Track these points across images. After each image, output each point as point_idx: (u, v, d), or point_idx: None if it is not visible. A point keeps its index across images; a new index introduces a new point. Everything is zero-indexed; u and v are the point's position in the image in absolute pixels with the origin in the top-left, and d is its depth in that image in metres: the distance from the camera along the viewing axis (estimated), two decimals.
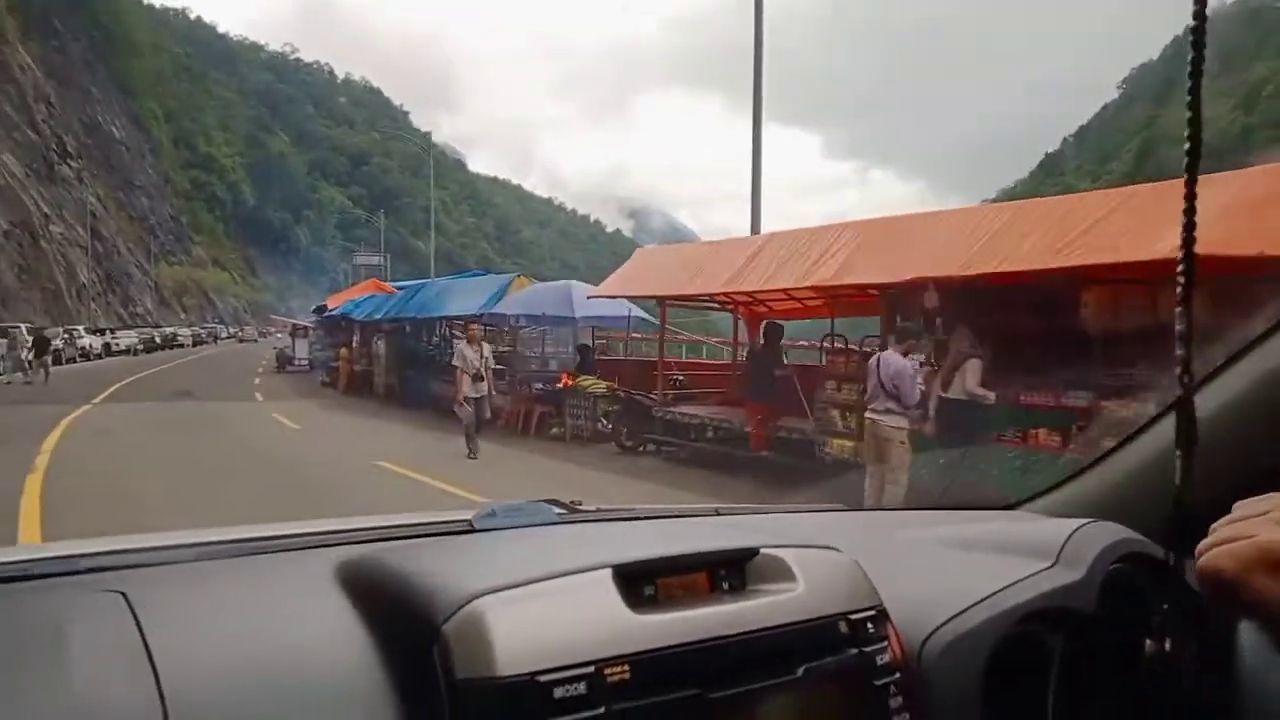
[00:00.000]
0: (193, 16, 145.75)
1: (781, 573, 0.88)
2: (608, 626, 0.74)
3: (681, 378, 14.81)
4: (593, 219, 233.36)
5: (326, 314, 28.85)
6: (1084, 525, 1.11)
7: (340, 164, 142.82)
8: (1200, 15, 0.70)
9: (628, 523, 1.24)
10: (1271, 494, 0.70)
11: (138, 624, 0.72)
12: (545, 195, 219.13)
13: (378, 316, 23.26)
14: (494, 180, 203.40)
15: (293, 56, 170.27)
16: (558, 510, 1.19)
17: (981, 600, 0.98)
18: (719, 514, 1.42)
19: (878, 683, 0.87)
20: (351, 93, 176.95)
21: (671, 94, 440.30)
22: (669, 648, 0.76)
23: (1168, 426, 1.15)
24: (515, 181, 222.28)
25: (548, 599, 0.75)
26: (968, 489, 6.81)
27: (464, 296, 18.74)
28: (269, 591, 0.86)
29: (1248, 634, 0.67)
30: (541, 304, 16.65)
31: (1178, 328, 0.76)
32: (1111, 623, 0.98)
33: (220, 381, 27.47)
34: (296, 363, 33.49)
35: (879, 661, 0.88)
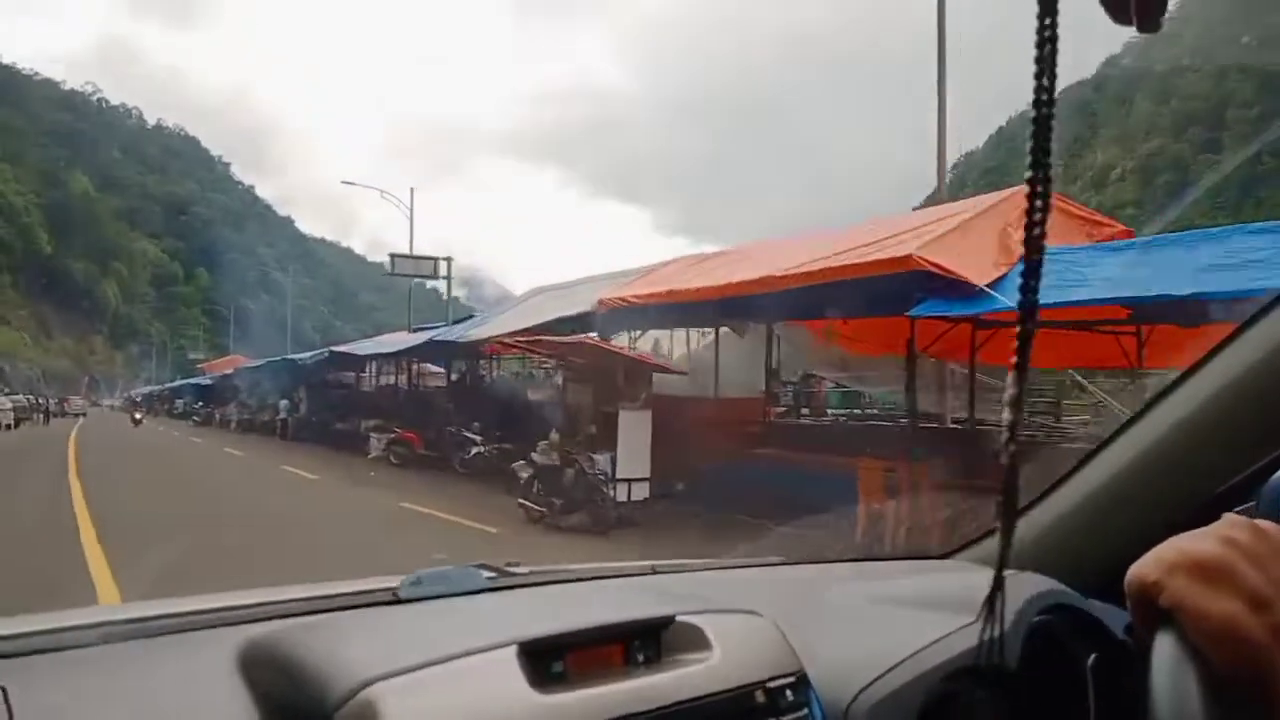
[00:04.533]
0: None
1: (697, 641, 0.87)
2: (509, 710, 0.72)
3: None
4: (428, 286, 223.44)
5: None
6: (1008, 578, 1.07)
7: (154, 213, 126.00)
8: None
9: (544, 589, 1.20)
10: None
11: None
12: (376, 260, 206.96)
13: None
14: (322, 241, 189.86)
15: (95, 96, 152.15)
16: (487, 575, 1.16)
17: (906, 659, 0.98)
18: (655, 571, 1.38)
19: None
20: (164, 140, 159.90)
21: (503, 165, 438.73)
22: None
23: (1090, 475, 1.26)
24: (345, 244, 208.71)
25: (446, 683, 0.72)
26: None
27: None
28: (162, 678, 0.82)
29: (1163, 646, 0.62)
30: None
31: (1010, 392, 0.60)
32: (1037, 676, 0.97)
33: None
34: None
35: None
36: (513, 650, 0.75)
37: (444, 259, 29.03)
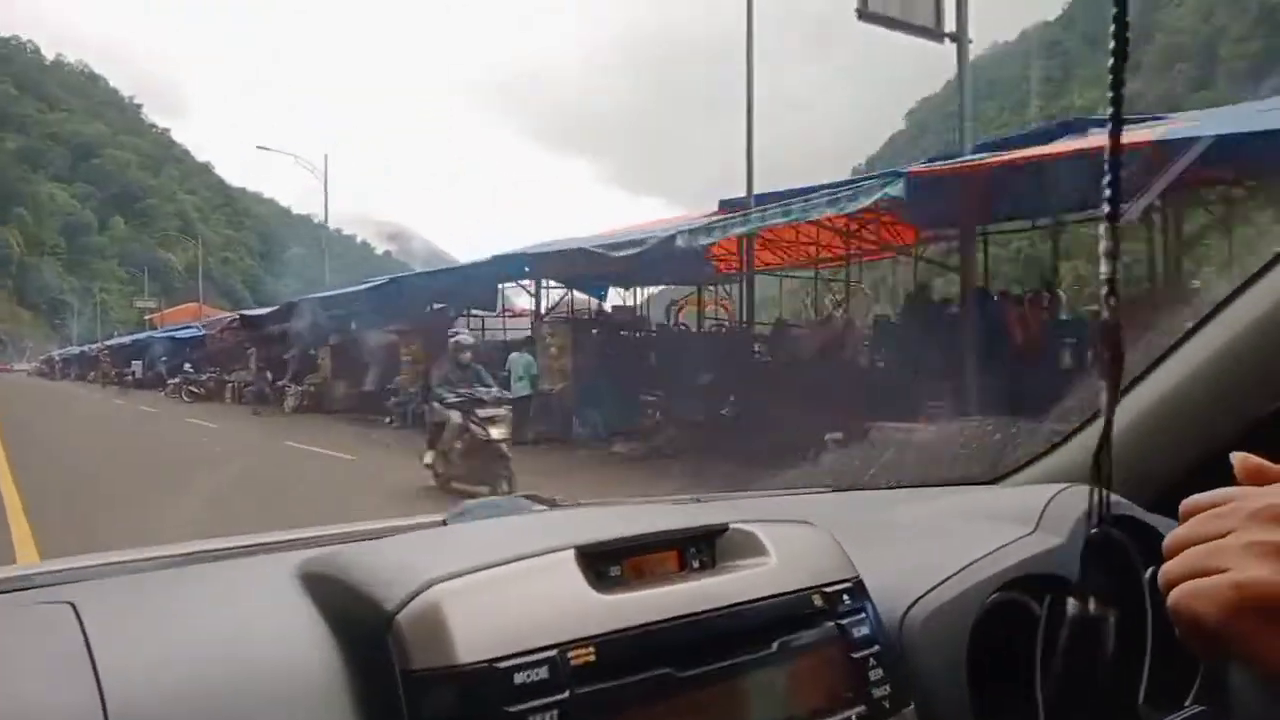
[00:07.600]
0: None
1: (753, 548, 0.88)
2: (570, 608, 0.74)
3: None
4: (359, 240, 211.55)
5: None
6: (1064, 490, 1.10)
7: (59, 155, 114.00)
8: None
9: (595, 509, 1.21)
10: (1219, 491, 0.61)
11: (84, 633, 0.70)
12: (301, 212, 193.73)
13: None
14: (244, 191, 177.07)
15: None
16: (536, 506, 1.18)
17: (961, 570, 0.99)
18: (699, 501, 1.40)
19: (856, 655, 0.86)
20: (65, 77, 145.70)
21: (429, 116, 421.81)
22: (635, 627, 0.74)
23: (1146, 392, 1.23)
24: (268, 195, 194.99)
25: (508, 583, 0.74)
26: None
27: None
28: (225, 595, 0.86)
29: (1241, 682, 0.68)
30: None
31: (1104, 340, 0.63)
32: (1095, 588, 0.95)
33: None
34: None
35: (856, 634, 0.87)
36: (570, 554, 0.77)
37: None
